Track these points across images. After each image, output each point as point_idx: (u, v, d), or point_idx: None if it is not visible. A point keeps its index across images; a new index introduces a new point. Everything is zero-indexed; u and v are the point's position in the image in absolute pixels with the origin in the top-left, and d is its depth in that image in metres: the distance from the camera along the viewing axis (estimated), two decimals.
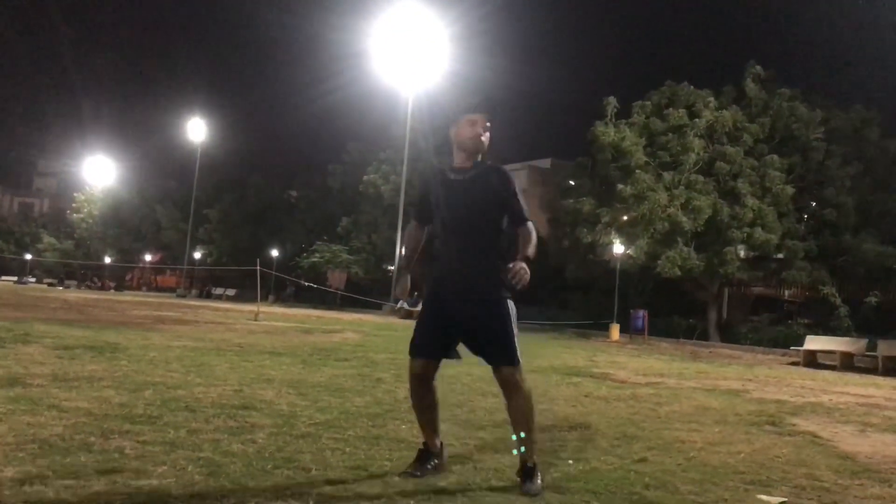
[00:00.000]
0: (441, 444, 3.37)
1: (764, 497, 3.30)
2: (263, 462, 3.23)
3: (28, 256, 60.65)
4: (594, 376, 8.94)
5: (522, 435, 3.15)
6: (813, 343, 17.13)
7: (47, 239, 63.97)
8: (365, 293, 36.19)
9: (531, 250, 3.17)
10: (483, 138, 3.31)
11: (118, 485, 2.75)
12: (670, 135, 25.09)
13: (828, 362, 16.09)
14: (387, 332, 15.48)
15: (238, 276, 46.04)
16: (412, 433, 3.97)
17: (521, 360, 3.19)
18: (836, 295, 22.93)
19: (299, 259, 41.82)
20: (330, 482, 3.00)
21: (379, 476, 3.16)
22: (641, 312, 23.79)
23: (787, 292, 28.52)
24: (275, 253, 44.93)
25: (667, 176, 24.57)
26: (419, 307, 3.43)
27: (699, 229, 24.01)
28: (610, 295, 26.08)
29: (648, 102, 26.51)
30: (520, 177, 49.70)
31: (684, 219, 23.49)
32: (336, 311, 31.49)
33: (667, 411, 5.99)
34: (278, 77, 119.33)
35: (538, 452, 3.26)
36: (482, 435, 4.29)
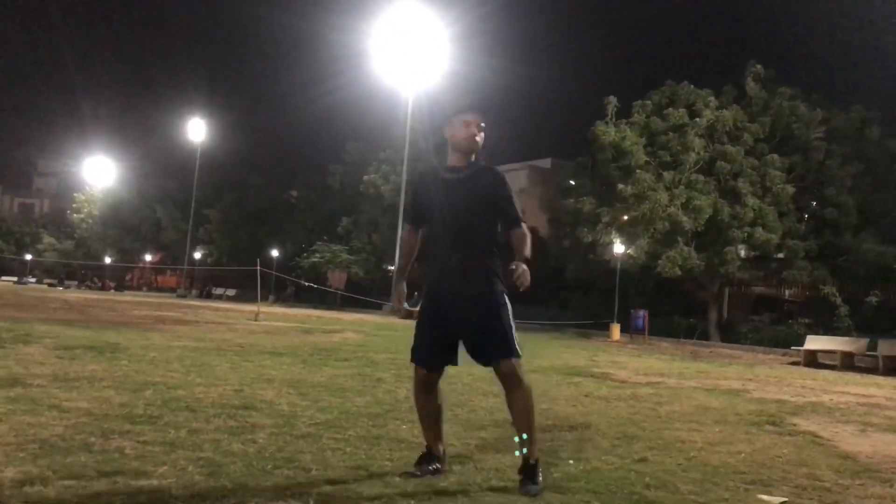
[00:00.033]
0: (444, 450, 3.37)
1: (764, 497, 3.30)
2: (264, 462, 3.23)
3: (28, 257, 60.68)
4: (595, 376, 8.94)
5: (525, 437, 3.14)
6: (813, 343, 17.13)
7: (47, 239, 63.98)
8: (365, 293, 36.21)
9: (528, 251, 3.19)
10: (477, 138, 3.33)
11: (119, 485, 2.75)
12: (671, 134, 25.09)
13: (828, 362, 16.09)
14: (387, 332, 15.49)
15: (238, 276, 46.07)
16: (413, 433, 3.97)
17: (521, 354, 3.20)
18: (837, 294, 22.92)
19: (299, 259, 41.82)
20: (330, 482, 3.00)
21: (379, 476, 3.16)
22: (642, 312, 23.79)
23: (787, 292, 28.53)
24: (275, 253, 44.93)
25: (667, 175, 24.56)
26: (419, 307, 3.42)
27: (700, 229, 24.00)
28: (610, 295, 26.08)
29: (649, 102, 26.50)
30: (520, 177, 49.75)
31: (685, 218, 23.49)
32: (336, 311, 31.50)
33: (667, 411, 5.99)
34: (278, 77, 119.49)
35: (538, 451, 3.26)
36: (483, 435, 4.29)
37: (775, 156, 24.14)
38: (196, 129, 51.22)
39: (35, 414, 3.90)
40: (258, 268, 21.55)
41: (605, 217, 25.63)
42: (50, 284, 50.76)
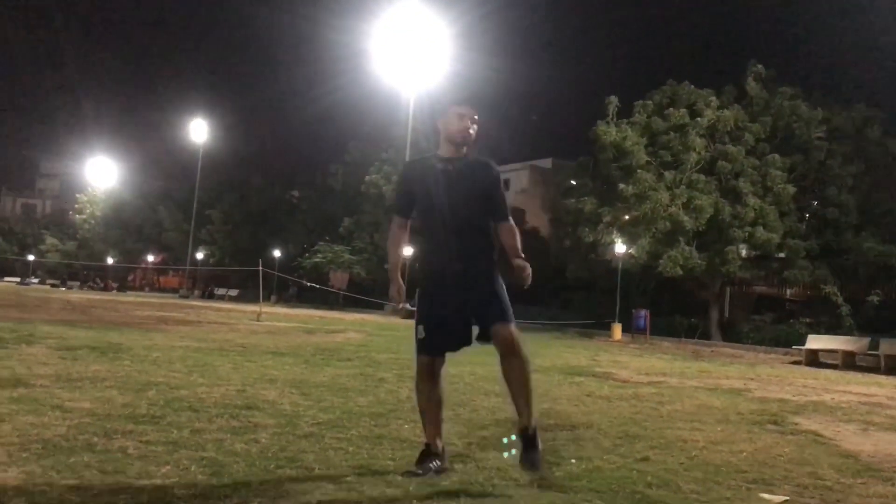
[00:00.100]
0: (443, 446, 3.37)
1: (766, 496, 3.30)
2: (266, 462, 3.23)
3: (31, 258, 60.81)
4: (596, 376, 8.94)
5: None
6: (815, 342, 17.12)
7: (50, 240, 64.06)
8: (367, 293, 36.23)
9: (520, 246, 3.27)
10: (471, 131, 3.36)
11: (121, 485, 2.76)
12: (672, 134, 25.09)
13: (830, 361, 16.07)
14: (389, 332, 15.50)
15: (240, 276, 46.15)
16: (415, 433, 3.97)
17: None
18: (838, 294, 22.92)
19: (301, 259, 41.86)
20: (333, 482, 3.01)
21: (382, 475, 3.16)
22: (643, 312, 23.78)
23: (788, 291, 28.55)
24: (277, 253, 44.97)
25: (668, 175, 24.56)
26: (421, 296, 3.42)
27: (701, 228, 24.01)
28: (612, 294, 26.08)
29: (650, 102, 26.51)
30: (521, 177, 49.73)
31: (686, 218, 23.48)
32: (338, 312, 31.52)
33: (669, 410, 5.99)
34: (280, 78, 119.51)
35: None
36: (485, 434, 4.29)
37: (776, 155, 24.14)
38: (198, 130, 51.26)
39: (38, 414, 3.91)
40: (260, 268, 21.57)
41: (606, 217, 25.63)
42: (52, 285, 50.87)
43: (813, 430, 5.33)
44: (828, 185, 24.37)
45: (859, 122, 24.96)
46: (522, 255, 3.23)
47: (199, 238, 51.02)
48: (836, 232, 24.17)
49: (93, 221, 62.32)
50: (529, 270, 3.15)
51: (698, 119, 24.71)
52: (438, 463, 3.28)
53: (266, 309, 22.96)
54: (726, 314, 27.13)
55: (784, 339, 21.45)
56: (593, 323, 25.50)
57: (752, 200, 23.30)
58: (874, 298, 22.60)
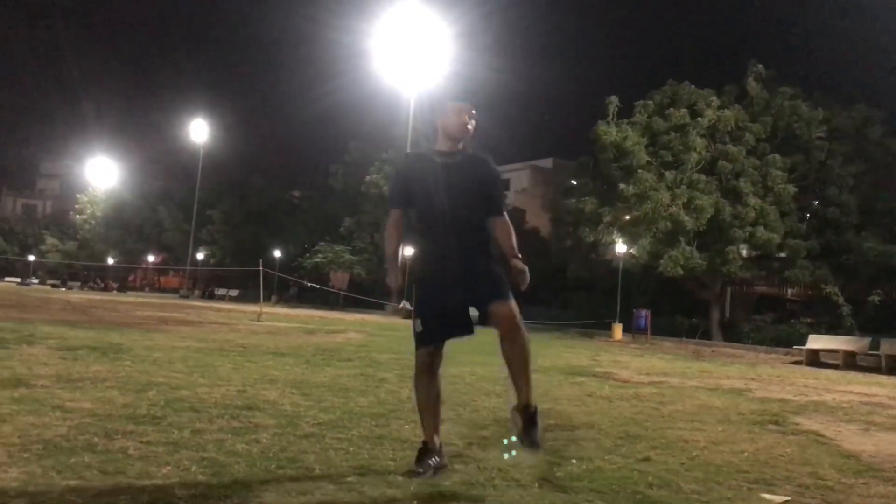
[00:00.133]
0: (440, 443, 3.37)
1: (767, 496, 3.30)
2: (267, 462, 3.23)
3: (31, 258, 60.80)
4: (597, 376, 8.93)
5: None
6: (815, 342, 17.12)
7: (50, 240, 64.08)
8: (367, 293, 36.22)
9: (516, 245, 3.28)
10: (469, 127, 3.36)
11: (122, 485, 2.76)
12: (672, 134, 25.09)
13: (831, 361, 16.07)
14: (390, 333, 15.49)
15: (241, 276, 46.11)
16: (415, 433, 3.97)
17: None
18: (839, 294, 22.91)
19: (302, 259, 41.86)
20: (333, 482, 3.01)
21: (383, 475, 3.16)
22: (644, 312, 23.79)
23: (789, 291, 28.54)
24: (277, 253, 44.98)
25: (669, 175, 24.56)
26: (421, 283, 3.42)
27: (701, 228, 24.00)
28: (612, 294, 26.09)
29: (650, 102, 26.51)
30: (522, 177, 49.76)
31: (686, 218, 23.48)
32: (339, 312, 31.52)
33: (670, 410, 5.99)
34: (280, 78, 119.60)
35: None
36: (485, 434, 4.29)
37: (777, 155, 24.14)
38: (198, 130, 51.27)
39: (39, 414, 3.91)
40: (261, 268, 21.56)
41: (606, 217, 25.64)
42: (53, 285, 50.87)
43: (814, 431, 5.33)
44: (828, 185, 24.37)
45: (860, 122, 24.96)
46: (519, 256, 3.23)
47: (199, 238, 51.03)
48: (836, 232, 24.16)
49: (93, 222, 62.34)
50: (526, 274, 3.14)
51: (699, 119, 24.70)
52: (437, 459, 3.27)
53: (266, 309, 22.96)
54: (727, 314, 27.12)
55: (785, 339, 21.44)
56: (594, 323, 25.50)
57: (753, 200, 23.29)
58: (875, 298, 22.59)
